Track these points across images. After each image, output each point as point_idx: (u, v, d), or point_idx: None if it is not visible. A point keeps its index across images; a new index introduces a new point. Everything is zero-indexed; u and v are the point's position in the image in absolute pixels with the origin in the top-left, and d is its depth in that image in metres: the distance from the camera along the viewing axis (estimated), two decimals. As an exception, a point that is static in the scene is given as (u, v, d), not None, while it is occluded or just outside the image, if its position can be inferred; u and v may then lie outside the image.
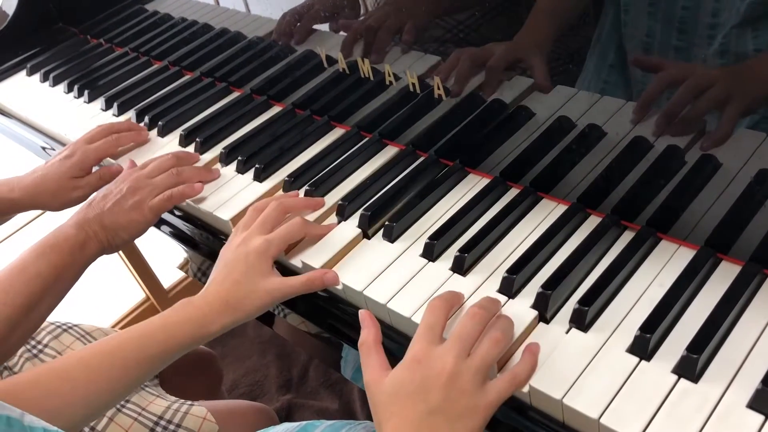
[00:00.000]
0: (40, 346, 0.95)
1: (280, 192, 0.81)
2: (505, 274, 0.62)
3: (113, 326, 1.69)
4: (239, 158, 0.86)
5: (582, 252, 0.63)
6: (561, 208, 0.69)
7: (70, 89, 1.13)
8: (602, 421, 0.50)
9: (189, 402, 0.94)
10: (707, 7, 0.56)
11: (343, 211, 0.74)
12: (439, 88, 0.79)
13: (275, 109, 0.96)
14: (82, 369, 0.61)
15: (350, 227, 0.73)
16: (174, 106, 1.00)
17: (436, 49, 0.80)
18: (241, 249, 0.67)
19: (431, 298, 0.61)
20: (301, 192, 0.79)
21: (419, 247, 0.68)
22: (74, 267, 0.74)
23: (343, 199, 0.75)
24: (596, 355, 0.55)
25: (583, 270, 0.62)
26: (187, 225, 0.84)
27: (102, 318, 1.73)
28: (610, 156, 0.69)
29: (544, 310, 0.59)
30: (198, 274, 0.94)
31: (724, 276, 0.58)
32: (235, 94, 1.01)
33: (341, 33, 0.88)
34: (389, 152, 0.83)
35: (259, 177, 0.83)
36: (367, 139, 0.85)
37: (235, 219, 0.78)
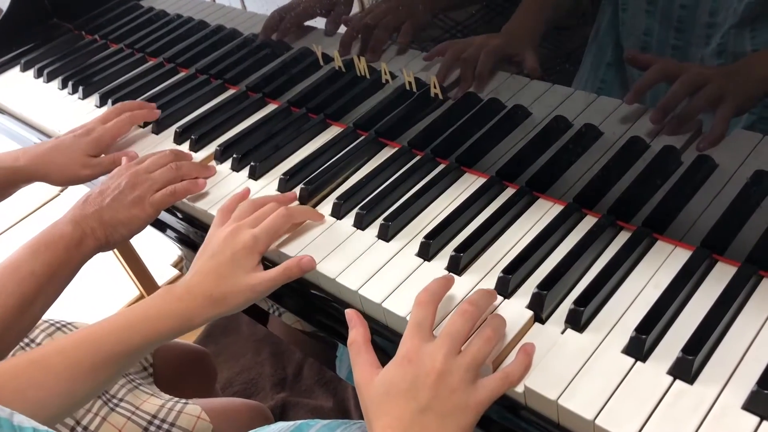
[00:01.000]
0: (33, 345, 0.95)
1: (275, 192, 0.81)
2: (501, 274, 0.62)
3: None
4: (234, 156, 0.85)
5: (578, 252, 0.62)
6: (557, 208, 0.69)
7: (64, 85, 1.12)
8: (597, 422, 0.50)
9: (183, 400, 0.93)
10: (705, 6, 0.56)
11: (338, 210, 0.74)
12: (435, 87, 0.79)
13: (271, 107, 0.96)
14: (63, 361, 0.60)
15: (346, 226, 0.73)
16: (169, 103, 0.99)
17: (437, 50, 0.80)
18: (228, 243, 0.66)
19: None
20: (296, 190, 0.79)
21: (415, 246, 0.68)
22: (69, 265, 0.73)
23: (339, 197, 0.75)
24: (592, 355, 0.55)
25: (579, 270, 0.62)
26: (182, 223, 0.84)
27: (96, 315, 1.72)
28: (606, 156, 0.69)
29: (540, 311, 0.59)
30: (192, 272, 0.94)
31: (719, 277, 0.58)
32: (230, 92, 1.01)
33: (338, 31, 0.87)
34: (385, 151, 0.83)
35: (254, 175, 0.83)
36: (363, 137, 0.85)
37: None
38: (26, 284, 0.69)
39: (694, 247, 0.61)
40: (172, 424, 0.89)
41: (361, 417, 0.58)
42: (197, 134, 0.91)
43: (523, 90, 0.74)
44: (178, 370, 1.06)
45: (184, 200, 0.81)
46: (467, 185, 0.75)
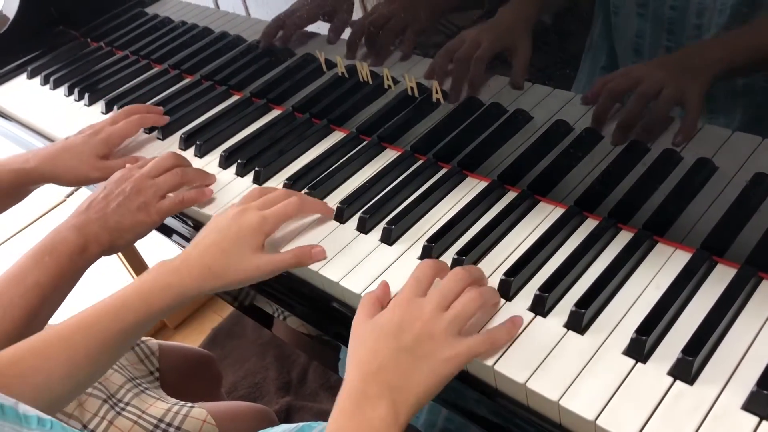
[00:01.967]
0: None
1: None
2: (503, 277, 0.62)
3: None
4: (239, 161, 0.86)
5: (579, 255, 0.63)
6: (558, 211, 0.69)
7: (70, 92, 1.13)
8: (598, 422, 0.51)
9: (189, 404, 0.94)
10: (693, 7, 0.57)
11: (341, 214, 0.75)
12: (437, 92, 0.80)
13: (275, 113, 0.97)
14: (61, 344, 0.60)
15: (349, 230, 0.73)
16: (174, 109, 1.00)
17: (436, 53, 0.80)
18: (235, 220, 0.67)
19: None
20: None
21: (417, 249, 0.69)
22: (73, 272, 0.73)
23: (342, 202, 0.76)
24: (593, 357, 0.55)
25: (580, 273, 0.63)
26: (186, 227, 0.85)
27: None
28: (607, 159, 0.70)
29: (542, 313, 0.59)
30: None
31: (719, 279, 0.59)
32: (234, 98, 1.02)
33: (341, 37, 0.88)
34: (388, 155, 0.83)
35: (259, 180, 0.84)
36: (366, 142, 0.86)
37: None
38: (31, 295, 0.69)
39: (694, 249, 0.62)
40: (179, 428, 0.90)
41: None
42: (202, 140, 0.92)
43: (524, 94, 0.75)
44: (183, 374, 1.07)
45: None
46: (469, 189, 0.75)
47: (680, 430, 0.49)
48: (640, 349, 0.54)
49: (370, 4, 0.84)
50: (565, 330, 0.58)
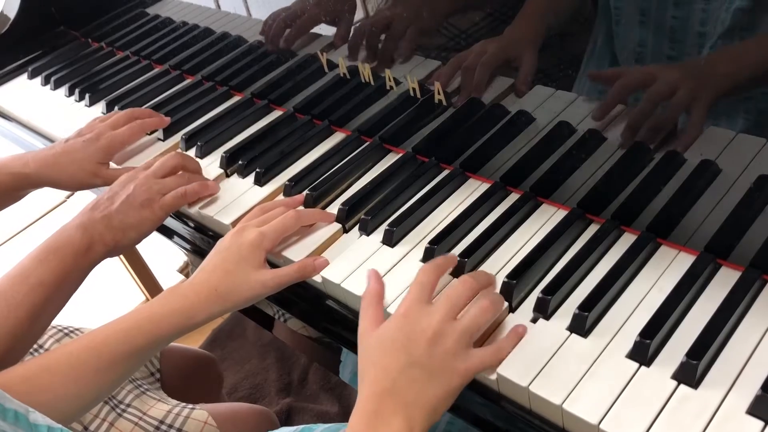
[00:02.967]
0: (42, 350, 0.95)
1: (281, 197, 0.81)
2: (505, 280, 0.62)
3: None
4: (240, 162, 0.86)
5: (582, 257, 0.63)
6: (561, 214, 0.69)
7: (71, 93, 1.13)
8: (602, 426, 0.50)
9: (190, 406, 0.94)
10: (696, 16, 0.57)
11: (343, 216, 0.74)
12: (439, 93, 0.80)
13: (276, 113, 0.96)
14: (70, 364, 0.61)
15: (350, 231, 0.73)
16: (175, 110, 1.00)
17: (437, 54, 0.80)
18: (234, 239, 0.67)
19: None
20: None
21: (419, 251, 0.68)
22: (78, 272, 0.73)
23: (344, 203, 0.75)
24: (596, 360, 0.55)
25: (583, 275, 0.62)
26: (188, 228, 0.84)
27: (102, 320, 1.73)
28: (610, 161, 0.69)
29: (544, 315, 0.59)
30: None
31: (723, 282, 0.59)
32: (235, 98, 1.01)
33: (344, 38, 0.88)
34: (390, 157, 0.83)
35: (260, 181, 0.84)
36: (367, 143, 0.85)
37: (236, 223, 0.78)
38: (36, 294, 0.69)
39: (698, 252, 0.61)
40: (179, 430, 0.89)
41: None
42: (203, 141, 0.91)
43: (527, 96, 0.74)
44: (184, 376, 1.07)
45: (189, 208, 0.82)
46: (471, 191, 0.75)
47: (684, 435, 0.49)
48: (643, 352, 0.54)
49: (371, 6, 0.83)
50: (568, 333, 0.58)
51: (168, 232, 0.86)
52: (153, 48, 1.17)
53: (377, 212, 0.73)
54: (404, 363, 0.53)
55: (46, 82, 1.19)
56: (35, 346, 0.96)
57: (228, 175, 0.87)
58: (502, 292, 0.62)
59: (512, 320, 0.60)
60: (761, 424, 0.48)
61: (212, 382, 1.18)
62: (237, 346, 1.67)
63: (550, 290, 0.60)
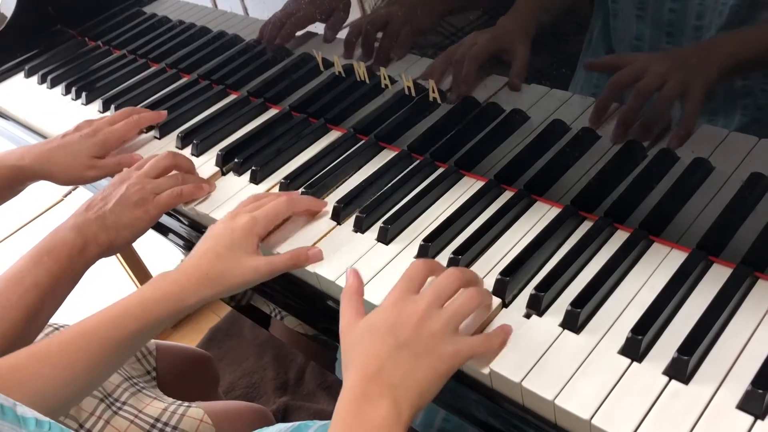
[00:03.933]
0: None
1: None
2: (499, 276, 0.62)
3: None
4: (236, 160, 0.86)
5: (575, 254, 0.63)
6: (555, 211, 0.69)
7: (68, 91, 1.13)
8: (594, 422, 0.51)
9: (186, 404, 0.94)
10: (693, 9, 0.57)
11: (338, 214, 0.75)
12: (433, 92, 0.80)
13: (272, 112, 0.97)
14: (61, 351, 0.60)
15: (345, 229, 0.73)
16: (171, 108, 1.00)
17: (433, 53, 0.80)
18: (226, 224, 0.68)
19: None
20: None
21: (414, 249, 0.69)
22: (73, 273, 0.73)
23: (339, 201, 0.76)
24: (588, 356, 0.55)
25: (576, 272, 0.63)
26: (184, 227, 0.85)
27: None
28: (603, 159, 0.70)
29: (537, 311, 0.59)
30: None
31: (715, 278, 0.59)
32: (232, 97, 1.02)
33: (338, 36, 0.88)
34: (385, 155, 0.83)
35: (256, 179, 0.84)
36: (363, 141, 0.86)
37: (232, 221, 0.78)
38: (30, 296, 0.69)
39: (690, 249, 0.62)
40: (175, 428, 0.90)
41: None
42: (199, 139, 0.92)
43: (521, 94, 0.75)
44: (181, 374, 1.07)
45: (185, 206, 0.82)
46: (466, 188, 0.75)
47: (675, 430, 0.49)
48: (635, 348, 0.54)
49: (368, 4, 0.84)
50: (561, 329, 0.58)
51: (163, 230, 0.86)
52: (149, 47, 1.17)
53: (372, 210, 0.73)
54: (391, 345, 0.53)
55: (42, 80, 1.19)
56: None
57: (224, 173, 0.87)
58: (495, 288, 0.62)
59: (505, 316, 0.60)
60: (751, 419, 0.49)
61: (209, 380, 1.18)
62: (234, 345, 1.67)
63: (543, 287, 0.60)
